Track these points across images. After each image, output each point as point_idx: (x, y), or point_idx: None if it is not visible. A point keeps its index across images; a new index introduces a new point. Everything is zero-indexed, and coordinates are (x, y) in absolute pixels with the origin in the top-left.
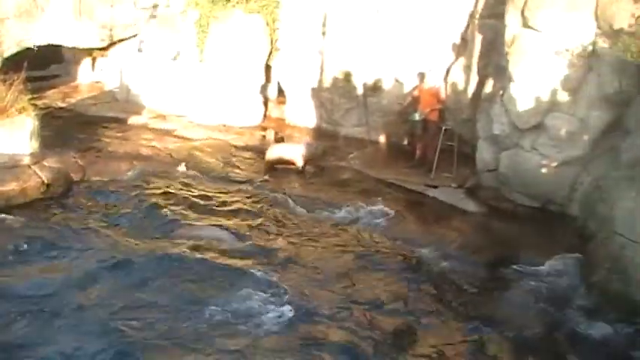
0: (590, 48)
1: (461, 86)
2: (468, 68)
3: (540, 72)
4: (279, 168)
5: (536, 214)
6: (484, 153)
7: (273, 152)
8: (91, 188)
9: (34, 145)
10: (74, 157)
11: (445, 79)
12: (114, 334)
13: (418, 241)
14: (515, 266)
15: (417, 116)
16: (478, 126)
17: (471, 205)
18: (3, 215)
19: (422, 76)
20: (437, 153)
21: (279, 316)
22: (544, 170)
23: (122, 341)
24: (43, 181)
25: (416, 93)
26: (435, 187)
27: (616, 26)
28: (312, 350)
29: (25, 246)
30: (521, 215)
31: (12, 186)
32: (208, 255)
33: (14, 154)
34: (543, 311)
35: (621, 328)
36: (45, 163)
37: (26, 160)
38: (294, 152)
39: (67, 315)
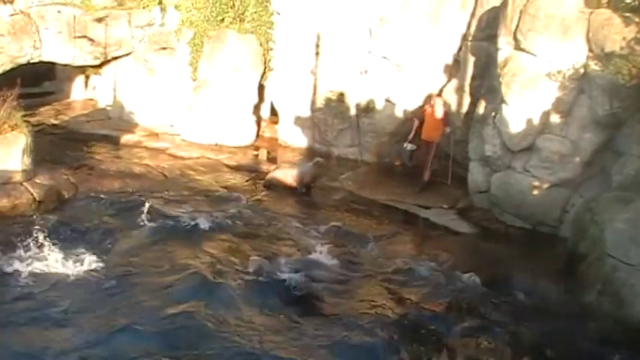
0: (582, 70)
1: (453, 107)
2: (460, 90)
3: (532, 94)
4: (274, 188)
5: (528, 235)
6: (476, 174)
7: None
8: (82, 205)
9: (26, 162)
10: (66, 175)
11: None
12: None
13: (409, 262)
14: (506, 287)
15: (409, 146)
16: (470, 147)
17: (462, 226)
18: None
19: (429, 97)
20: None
21: None
22: (535, 192)
23: None
24: (34, 198)
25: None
26: (428, 207)
27: (607, 49)
28: None
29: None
30: (512, 236)
31: (3, 202)
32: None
33: (6, 170)
34: (532, 332)
35: (613, 350)
36: (37, 180)
37: (18, 177)
38: (290, 175)
39: None
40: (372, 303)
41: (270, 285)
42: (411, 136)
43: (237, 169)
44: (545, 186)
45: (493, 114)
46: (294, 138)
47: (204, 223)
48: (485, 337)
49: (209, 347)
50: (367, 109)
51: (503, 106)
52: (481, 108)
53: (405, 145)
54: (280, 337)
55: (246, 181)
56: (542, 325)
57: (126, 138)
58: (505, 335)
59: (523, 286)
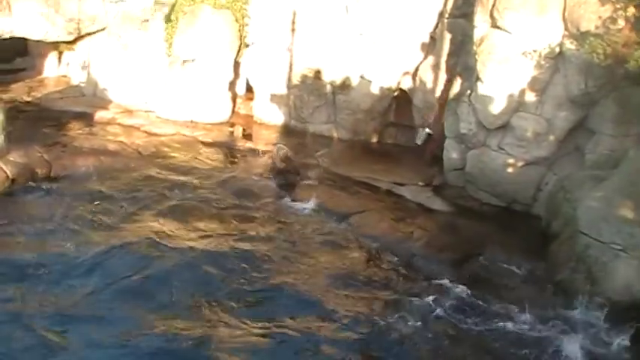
0: (558, 49)
1: (429, 85)
2: (436, 67)
3: (508, 72)
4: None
5: (502, 213)
6: (451, 152)
7: None
8: (56, 183)
9: None
10: (40, 152)
11: (414, 78)
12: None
13: (383, 239)
14: (479, 264)
15: (427, 130)
16: (445, 125)
17: (437, 204)
18: None
19: None
20: None
21: None
22: (510, 170)
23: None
24: (7, 176)
25: None
26: (403, 185)
27: (583, 28)
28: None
29: None
30: (486, 214)
31: None
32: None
33: None
34: (505, 308)
35: (586, 325)
36: (10, 157)
37: None
38: None
39: None
40: (342, 277)
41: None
42: (431, 120)
43: (212, 145)
44: (520, 164)
45: (468, 92)
46: (270, 115)
47: (177, 198)
48: (457, 316)
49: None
50: (343, 86)
51: (479, 83)
52: (457, 86)
53: (424, 130)
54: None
55: (221, 156)
56: (513, 302)
57: (100, 115)
58: (478, 313)
59: (496, 263)
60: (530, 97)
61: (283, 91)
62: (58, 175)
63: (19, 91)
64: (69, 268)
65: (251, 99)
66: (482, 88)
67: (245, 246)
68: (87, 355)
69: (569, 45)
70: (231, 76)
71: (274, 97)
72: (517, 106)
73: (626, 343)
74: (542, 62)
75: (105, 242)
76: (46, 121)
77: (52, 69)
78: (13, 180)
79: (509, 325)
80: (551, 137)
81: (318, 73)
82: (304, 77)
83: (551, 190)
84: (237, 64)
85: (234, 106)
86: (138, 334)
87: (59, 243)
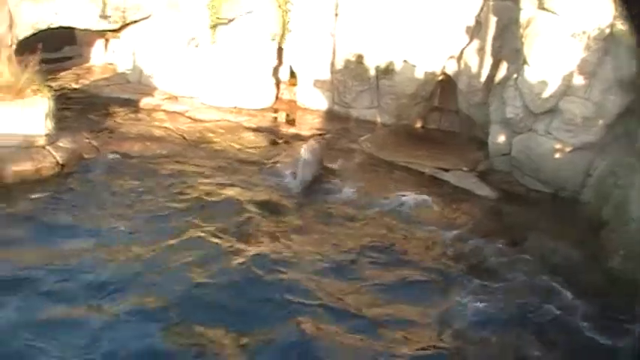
0: (608, 31)
1: (474, 69)
2: (481, 51)
3: (556, 55)
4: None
5: (549, 199)
6: (497, 137)
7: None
8: (104, 168)
9: (48, 126)
10: (87, 138)
11: (459, 63)
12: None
13: (428, 224)
14: (526, 251)
15: None
16: (491, 109)
17: (482, 189)
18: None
19: None
20: None
21: None
22: (557, 155)
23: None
24: (57, 162)
25: None
26: (447, 170)
27: (634, 9)
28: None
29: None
30: (533, 200)
31: (27, 166)
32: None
33: (29, 134)
34: (554, 296)
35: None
36: (59, 143)
37: (41, 141)
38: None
39: None
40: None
41: None
42: None
43: (256, 131)
44: (568, 149)
45: (515, 75)
46: (313, 100)
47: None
48: (504, 301)
49: None
50: (387, 71)
51: (525, 67)
52: (503, 69)
53: None
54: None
55: (265, 142)
56: (563, 289)
57: (145, 101)
58: (525, 300)
59: (544, 251)
60: (579, 80)
61: (326, 76)
62: (105, 160)
63: (67, 79)
64: (117, 252)
65: (294, 84)
66: (528, 72)
67: (284, 227)
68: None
69: (620, 26)
70: (275, 61)
71: (317, 83)
72: (565, 89)
73: None
74: (592, 44)
75: (155, 224)
76: (93, 108)
77: (98, 57)
78: (62, 165)
79: (556, 307)
80: (601, 122)
81: (361, 57)
82: (347, 62)
83: (600, 176)
84: (280, 50)
85: (277, 92)
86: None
87: (110, 223)
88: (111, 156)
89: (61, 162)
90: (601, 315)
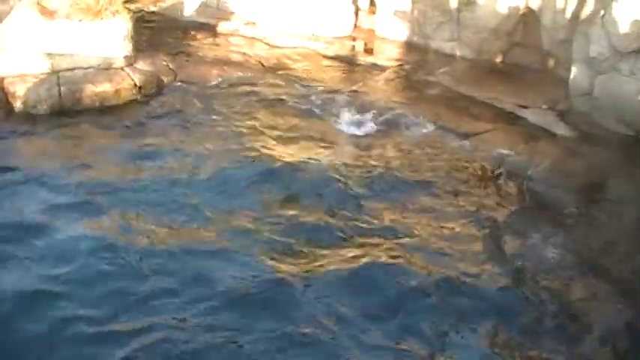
0: None
1: (559, 5)
2: None
3: None
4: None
5: (630, 142)
6: (578, 76)
7: None
8: (182, 91)
9: (127, 48)
10: (165, 61)
11: None
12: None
13: (503, 162)
14: (602, 193)
15: None
16: (574, 47)
17: (561, 128)
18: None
19: None
20: None
21: None
22: None
23: None
24: (135, 84)
25: None
26: (525, 107)
27: None
28: None
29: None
30: (613, 142)
31: (106, 87)
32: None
33: (108, 56)
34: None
35: None
36: (137, 65)
37: (119, 63)
38: None
39: None
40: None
41: None
42: None
43: (333, 59)
44: None
45: (602, 12)
46: (392, 30)
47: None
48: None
49: None
50: (469, 3)
51: (613, 3)
52: (589, 5)
53: None
54: None
55: (342, 71)
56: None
57: (223, 26)
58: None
59: (622, 194)
60: None
61: (407, 6)
62: (182, 84)
63: (145, 1)
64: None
65: (373, 13)
66: (616, 9)
67: (358, 162)
68: None
69: None
70: None
71: (397, 12)
72: None
73: None
74: None
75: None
76: (170, 31)
77: None
78: (139, 87)
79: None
80: None
81: None
82: None
83: None
84: None
85: (356, 21)
86: None
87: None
88: (188, 79)
89: (139, 84)
90: None
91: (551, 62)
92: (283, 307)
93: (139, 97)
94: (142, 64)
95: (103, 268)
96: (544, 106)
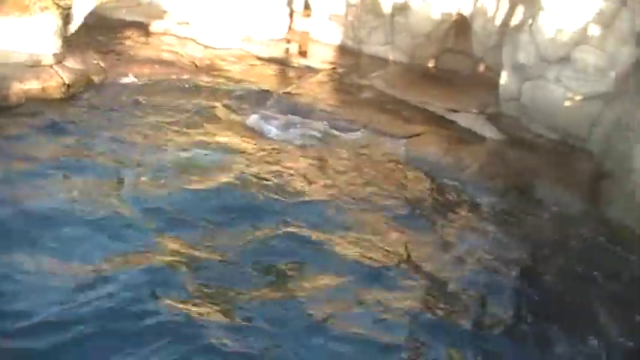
0: None
1: (490, 12)
2: None
3: (572, 3)
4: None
5: (555, 146)
6: (508, 82)
7: None
8: (111, 90)
9: (56, 45)
10: (95, 59)
11: (475, 4)
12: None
13: (434, 164)
14: (528, 195)
15: None
16: (504, 54)
17: (490, 132)
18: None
19: None
20: None
21: None
22: (567, 103)
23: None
24: (64, 82)
25: None
26: (456, 111)
27: None
28: None
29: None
30: (540, 146)
31: (33, 84)
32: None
33: (36, 53)
34: (552, 241)
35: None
36: (66, 63)
37: (48, 60)
38: None
39: None
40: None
41: None
42: None
43: (267, 61)
44: (578, 98)
45: (530, 21)
46: (326, 34)
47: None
48: (502, 246)
49: None
50: (402, 8)
51: (541, 13)
52: (518, 14)
53: None
54: None
55: (275, 73)
56: (561, 236)
57: (155, 25)
58: (525, 244)
59: (545, 196)
60: (594, 30)
61: (341, 9)
62: (113, 82)
63: None
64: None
65: (308, 16)
66: (544, 18)
67: (288, 164)
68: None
69: None
70: None
71: (332, 16)
72: (580, 38)
73: None
74: None
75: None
76: (102, 29)
77: None
78: (68, 86)
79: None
80: (613, 73)
81: None
82: None
83: (607, 127)
84: None
85: (291, 23)
86: None
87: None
88: (118, 79)
89: (67, 82)
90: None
91: (481, 68)
92: None
93: (67, 95)
94: (72, 62)
95: None
96: (474, 111)
